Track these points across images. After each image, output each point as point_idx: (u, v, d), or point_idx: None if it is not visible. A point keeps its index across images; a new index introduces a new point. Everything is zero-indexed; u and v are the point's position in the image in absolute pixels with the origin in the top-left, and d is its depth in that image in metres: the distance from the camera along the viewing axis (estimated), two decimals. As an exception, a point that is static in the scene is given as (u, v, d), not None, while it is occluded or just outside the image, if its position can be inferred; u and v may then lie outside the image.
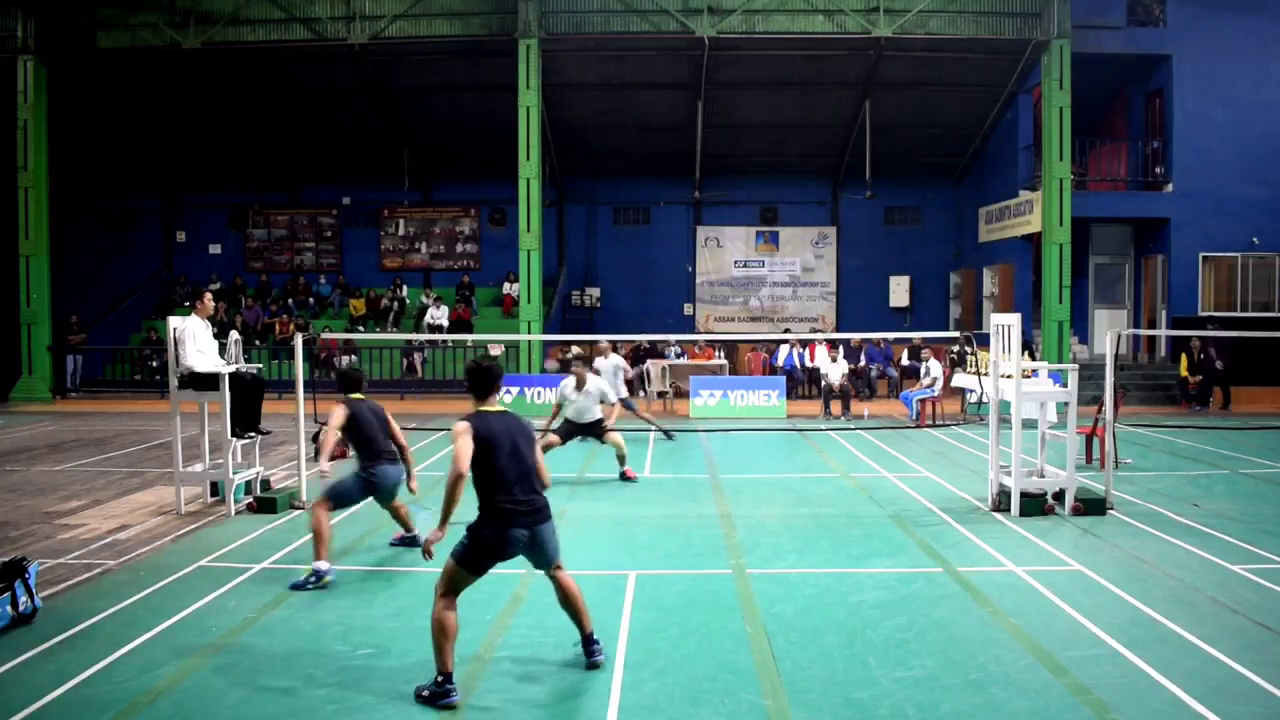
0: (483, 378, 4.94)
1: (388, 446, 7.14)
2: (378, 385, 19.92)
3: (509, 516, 4.74)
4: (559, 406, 11.15)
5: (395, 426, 7.23)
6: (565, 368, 15.01)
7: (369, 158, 23.49)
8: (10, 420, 16.60)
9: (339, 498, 7.00)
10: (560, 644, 5.30)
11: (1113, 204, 20.80)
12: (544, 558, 4.94)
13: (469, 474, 4.70)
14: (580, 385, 10.85)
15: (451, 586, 4.75)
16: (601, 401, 10.93)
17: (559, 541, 5.00)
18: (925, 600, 6.15)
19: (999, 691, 4.68)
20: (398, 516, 7.48)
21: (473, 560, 4.75)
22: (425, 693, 4.61)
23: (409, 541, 7.49)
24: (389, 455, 7.11)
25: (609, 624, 5.60)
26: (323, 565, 6.51)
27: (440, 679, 4.59)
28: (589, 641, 5.03)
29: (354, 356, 21.21)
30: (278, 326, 22.11)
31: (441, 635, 4.62)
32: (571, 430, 10.99)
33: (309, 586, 6.41)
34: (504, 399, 17.28)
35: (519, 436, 4.84)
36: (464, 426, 4.74)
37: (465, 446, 4.69)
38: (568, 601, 5.01)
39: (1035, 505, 8.60)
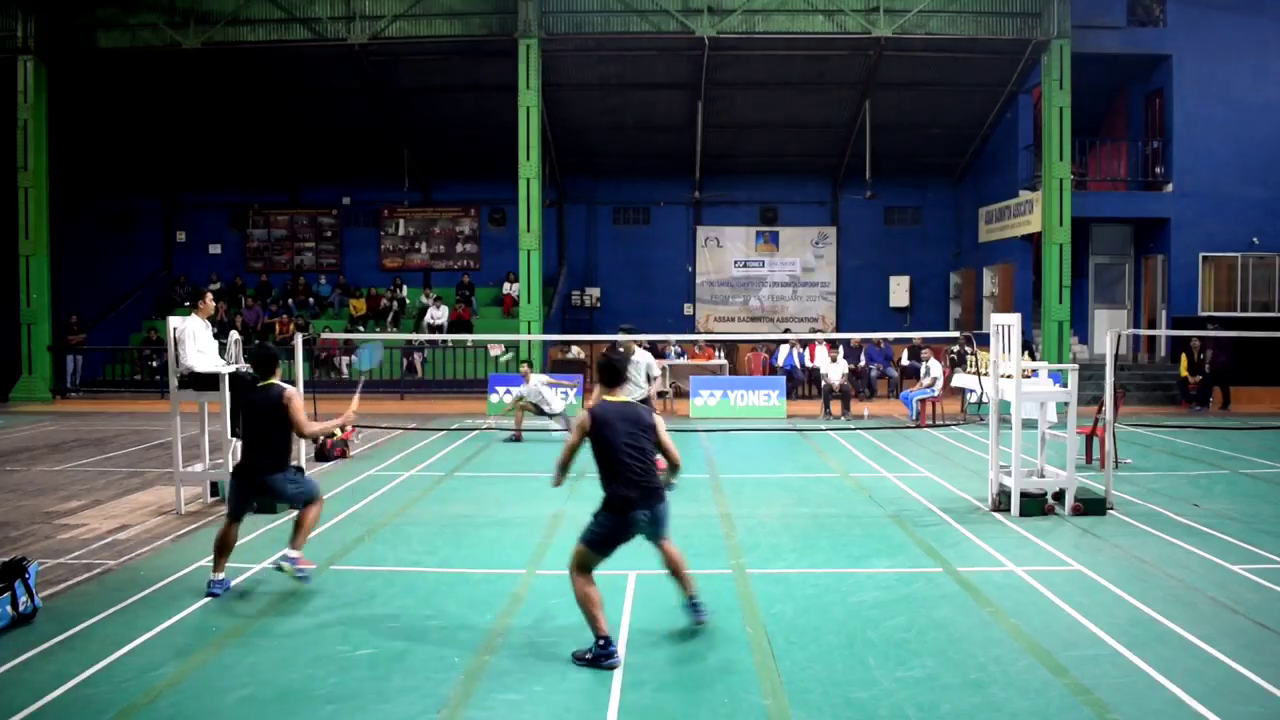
0: (608, 370, 5.51)
1: (252, 446, 6.34)
2: (378, 385, 19.98)
3: (628, 504, 5.17)
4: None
5: (295, 417, 6.28)
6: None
7: (369, 158, 23.49)
8: (10, 420, 16.60)
9: (230, 506, 6.39)
10: (560, 643, 5.30)
11: (1113, 204, 20.81)
12: (657, 533, 5.40)
13: (576, 452, 5.33)
14: (628, 355, 10.26)
15: (582, 566, 5.21)
16: (648, 378, 10.54)
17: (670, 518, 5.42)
18: (925, 600, 6.15)
19: (999, 691, 4.68)
20: (296, 526, 6.45)
21: (599, 543, 5.23)
22: (588, 655, 5.05)
23: (280, 564, 6.30)
24: (252, 461, 6.29)
25: (609, 624, 5.60)
26: (215, 577, 6.24)
27: (601, 642, 5.04)
28: (692, 603, 5.52)
29: (355, 356, 21.23)
30: (278, 326, 22.11)
31: (588, 604, 5.10)
32: None
33: (215, 593, 6.18)
34: (504, 400, 17.39)
35: (637, 425, 5.25)
36: (584, 415, 5.30)
37: (577, 435, 5.29)
38: (674, 569, 5.52)
39: (1035, 505, 8.60)
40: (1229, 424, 15.14)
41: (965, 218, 23.83)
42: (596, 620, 5.05)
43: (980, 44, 19.47)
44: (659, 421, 5.36)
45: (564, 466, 5.39)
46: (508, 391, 17.40)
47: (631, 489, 5.13)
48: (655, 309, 23.89)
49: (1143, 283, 21.11)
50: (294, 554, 6.31)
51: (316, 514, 6.54)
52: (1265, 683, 4.73)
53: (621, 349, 10.65)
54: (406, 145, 23.20)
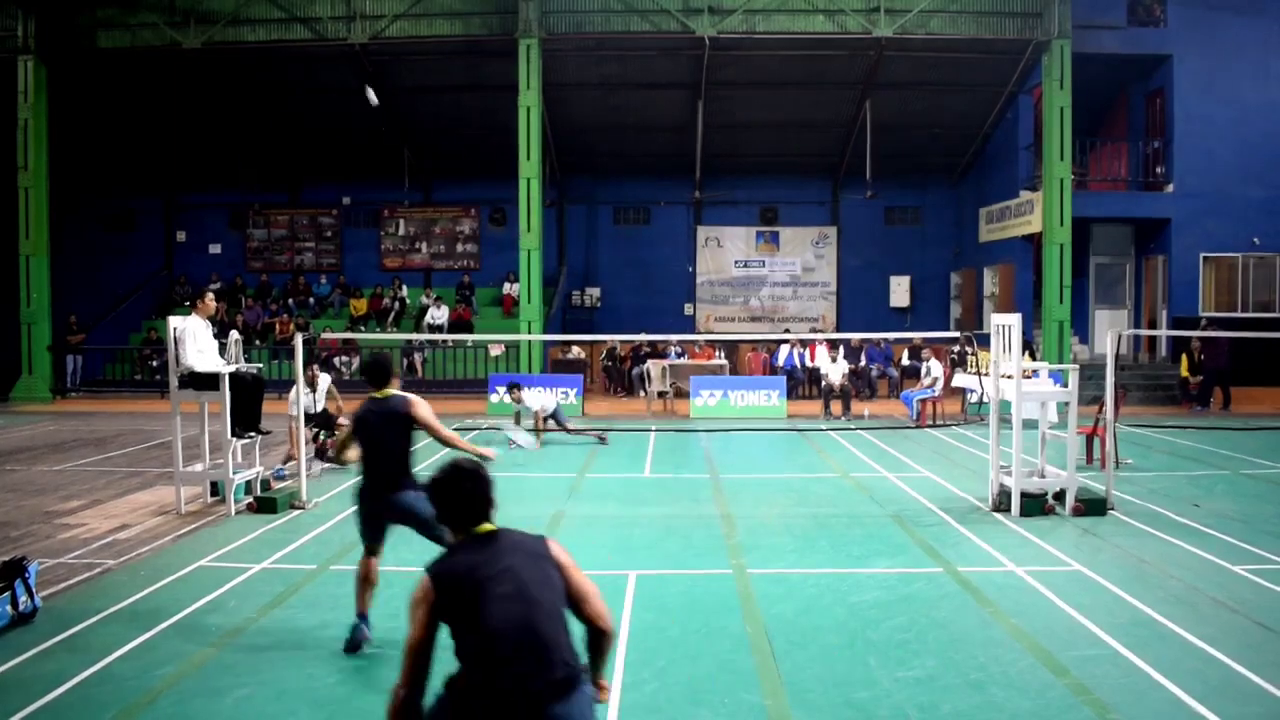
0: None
1: (373, 465, 5.65)
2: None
3: None
4: None
5: (429, 423, 5.69)
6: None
7: (369, 158, 23.48)
8: (10, 420, 16.59)
9: (364, 538, 5.74)
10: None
11: (1113, 204, 20.79)
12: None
13: None
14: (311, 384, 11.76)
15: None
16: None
17: None
18: (925, 600, 6.14)
19: (999, 691, 4.68)
20: None
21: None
22: None
23: None
24: (373, 482, 5.66)
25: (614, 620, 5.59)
26: (361, 610, 5.52)
27: None
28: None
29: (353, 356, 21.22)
30: (278, 326, 22.11)
31: None
32: None
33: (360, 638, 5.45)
34: (504, 399, 17.36)
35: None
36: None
37: None
38: None
39: (1036, 505, 8.59)
40: (1229, 424, 15.13)
41: (965, 218, 23.82)
42: None
43: (980, 44, 19.44)
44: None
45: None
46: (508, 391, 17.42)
47: None
48: (655, 309, 23.87)
49: (1143, 283, 21.09)
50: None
51: None
52: (1266, 683, 4.73)
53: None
54: (407, 145, 23.18)
